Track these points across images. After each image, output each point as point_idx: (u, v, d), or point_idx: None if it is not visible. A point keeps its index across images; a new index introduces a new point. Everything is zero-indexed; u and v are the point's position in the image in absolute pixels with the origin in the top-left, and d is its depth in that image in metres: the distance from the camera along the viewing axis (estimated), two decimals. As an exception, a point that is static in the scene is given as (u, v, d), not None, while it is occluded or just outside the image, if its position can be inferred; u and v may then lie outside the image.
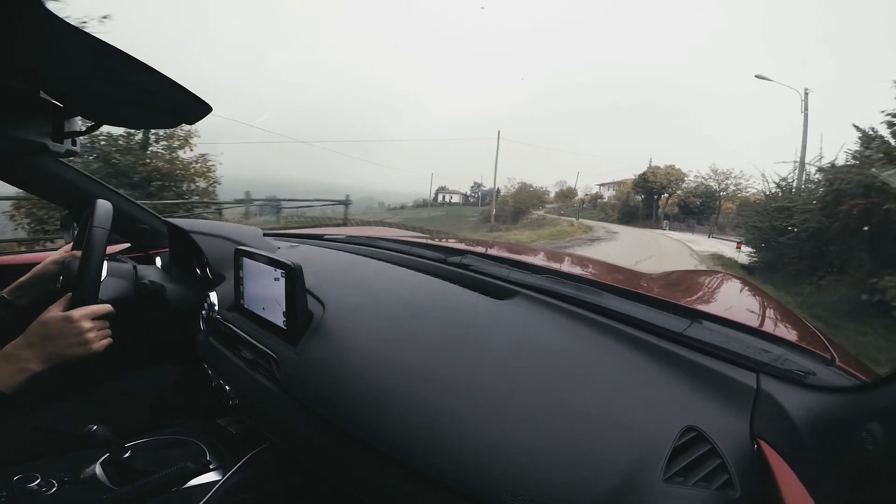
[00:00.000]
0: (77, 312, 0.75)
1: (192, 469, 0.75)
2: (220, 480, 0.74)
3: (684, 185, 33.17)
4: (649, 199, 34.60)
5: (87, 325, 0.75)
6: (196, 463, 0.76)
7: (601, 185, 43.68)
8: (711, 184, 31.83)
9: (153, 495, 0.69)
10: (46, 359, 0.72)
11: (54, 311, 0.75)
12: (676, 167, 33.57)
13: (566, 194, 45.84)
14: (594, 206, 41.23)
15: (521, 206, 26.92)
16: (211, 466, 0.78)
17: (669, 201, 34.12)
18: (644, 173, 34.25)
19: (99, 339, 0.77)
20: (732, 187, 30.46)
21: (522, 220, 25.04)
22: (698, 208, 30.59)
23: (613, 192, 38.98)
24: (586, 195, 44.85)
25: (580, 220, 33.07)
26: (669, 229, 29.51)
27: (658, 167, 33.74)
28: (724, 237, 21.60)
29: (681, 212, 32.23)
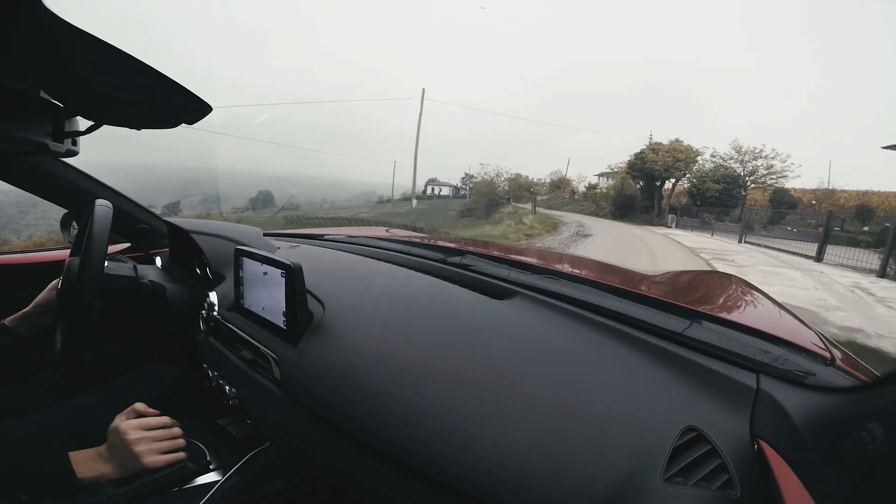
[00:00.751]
0: (123, 423, 0.72)
1: (192, 469, 0.75)
2: (219, 481, 0.74)
3: (697, 168, 24.25)
4: (650, 187, 25.65)
5: (136, 435, 0.72)
6: (196, 463, 0.76)
7: (600, 175, 33.00)
8: (734, 166, 23.09)
9: (153, 495, 0.69)
10: (114, 467, 0.70)
11: (115, 421, 0.74)
12: (685, 143, 24.28)
13: (558, 184, 39.00)
14: (586, 197, 33.22)
15: (496, 197, 23.92)
16: (211, 467, 0.78)
17: (677, 189, 25.57)
18: (642, 152, 25.08)
19: (150, 454, 0.71)
20: (763, 171, 22.18)
21: (494, 215, 22.01)
22: (718, 199, 22.12)
23: (612, 182, 31.00)
24: (585, 186, 36.33)
25: (557, 213, 26.85)
26: (677, 227, 21.42)
27: (660, 143, 24.75)
28: (768, 243, 13.24)
29: (692, 202, 23.47)
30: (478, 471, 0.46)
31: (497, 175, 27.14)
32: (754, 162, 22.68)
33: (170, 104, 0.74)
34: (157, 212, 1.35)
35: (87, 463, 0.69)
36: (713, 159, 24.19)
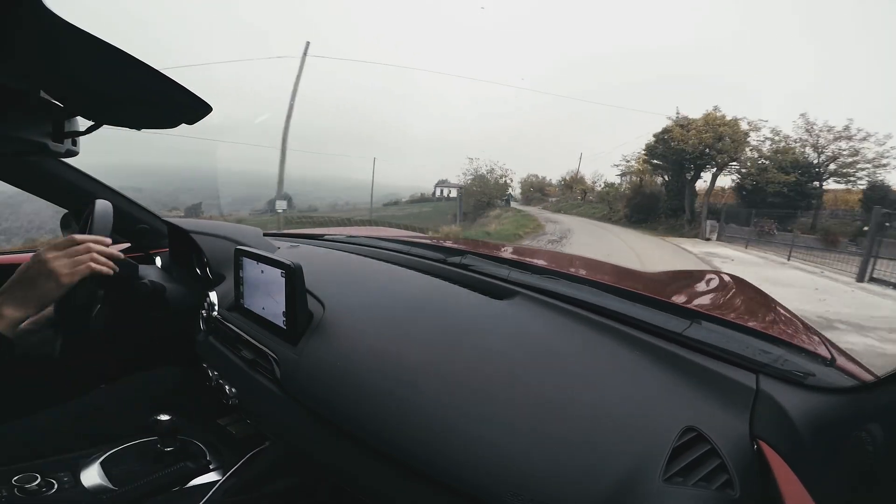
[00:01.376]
0: (44, 251, 0.70)
1: (192, 469, 0.75)
2: (219, 480, 0.74)
3: (750, 152, 15.60)
4: (678, 181, 17.51)
5: (53, 254, 0.70)
6: (196, 463, 0.76)
7: (622, 174, 24.36)
8: (806, 151, 15.04)
9: (153, 495, 0.69)
10: (22, 303, 0.67)
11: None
12: (727, 116, 15.88)
13: (570, 184, 33.77)
14: (601, 198, 27.13)
15: (485, 198, 21.72)
16: (211, 466, 0.78)
17: (717, 182, 16.97)
18: (666, 131, 16.98)
19: (68, 268, 0.70)
20: (847, 157, 14.27)
21: (479, 219, 19.52)
22: (786, 197, 14.26)
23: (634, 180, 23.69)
24: (602, 185, 29.17)
25: (555, 216, 23.33)
26: (720, 239, 14.46)
27: (689, 119, 16.64)
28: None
29: (741, 202, 15.61)
30: (478, 471, 0.46)
31: (490, 171, 22.72)
32: (836, 144, 14.12)
33: (170, 104, 0.74)
34: (181, 213, 1.35)
35: None
36: (774, 139, 15.19)
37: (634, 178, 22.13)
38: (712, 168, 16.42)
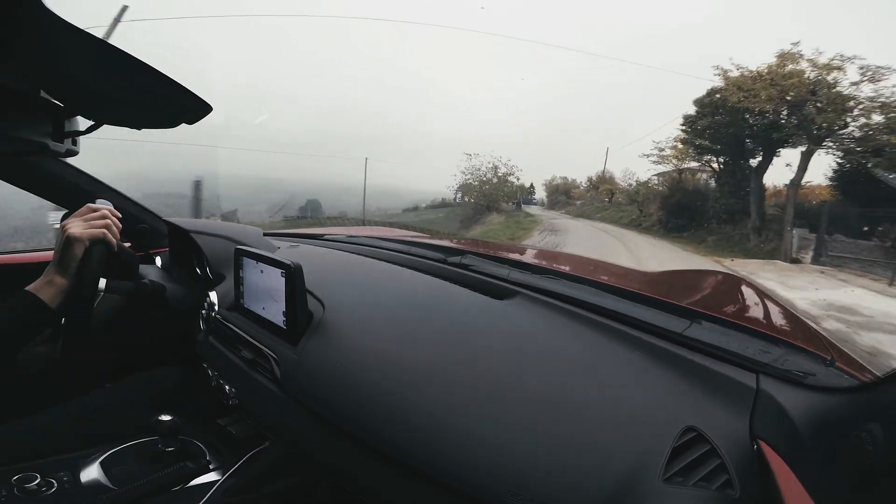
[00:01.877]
0: (67, 219, 0.83)
1: (192, 469, 0.75)
2: (219, 480, 0.74)
3: (881, 111, 8.13)
4: (737, 169, 11.68)
5: (72, 220, 0.81)
6: (196, 463, 0.76)
7: (659, 174, 18.68)
8: None
9: (153, 495, 0.69)
10: (63, 270, 0.79)
11: None
12: (819, 58, 9.10)
13: (596, 185, 28.36)
14: (631, 199, 21.26)
15: (484, 200, 20.00)
16: (211, 466, 0.78)
17: (803, 171, 9.80)
18: (713, 92, 11.20)
19: (80, 228, 0.80)
20: None
21: (477, 223, 18.28)
22: None
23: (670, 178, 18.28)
24: (635, 183, 21.73)
25: (568, 221, 20.68)
26: (818, 262, 8.89)
27: (749, 71, 10.34)
28: None
29: (845, 198, 9.26)
30: (478, 471, 0.46)
31: (494, 168, 20.16)
32: None
33: (170, 104, 0.74)
34: (217, 219, 1.35)
35: (43, 287, 0.77)
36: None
37: (673, 173, 16.49)
38: (800, 143, 9.50)
